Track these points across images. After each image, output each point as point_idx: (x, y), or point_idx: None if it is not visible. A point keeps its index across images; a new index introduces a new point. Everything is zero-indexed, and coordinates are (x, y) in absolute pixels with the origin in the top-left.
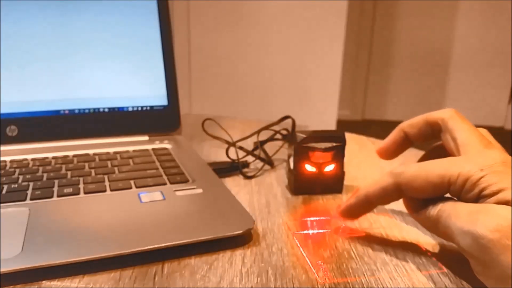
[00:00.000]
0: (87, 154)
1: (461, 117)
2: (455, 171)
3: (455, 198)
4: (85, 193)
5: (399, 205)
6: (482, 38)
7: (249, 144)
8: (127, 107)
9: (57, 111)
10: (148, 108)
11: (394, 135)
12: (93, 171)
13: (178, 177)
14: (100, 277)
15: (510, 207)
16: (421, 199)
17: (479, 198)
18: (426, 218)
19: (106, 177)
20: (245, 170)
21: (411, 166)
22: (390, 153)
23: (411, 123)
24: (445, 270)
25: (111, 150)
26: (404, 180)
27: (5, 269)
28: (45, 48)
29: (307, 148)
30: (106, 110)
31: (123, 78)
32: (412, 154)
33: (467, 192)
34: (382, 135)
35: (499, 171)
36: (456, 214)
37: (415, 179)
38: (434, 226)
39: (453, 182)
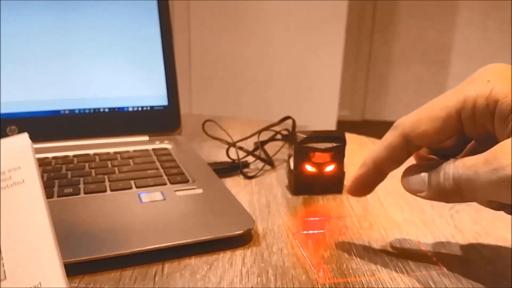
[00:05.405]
0: (87, 154)
1: None
2: (462, 95)
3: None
4: (85, 193)
5: (399, 205)
6: (482, 38)
7: (249, 144)
8: (127, 107)
9: (57, 111)
10: (148, 108)
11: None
12: (93, 171)
13: (178, 177)
14: (100, 277)
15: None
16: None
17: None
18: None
19: (106, 177)
20: (246, 170)
21: (412, 112)
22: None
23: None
24: (445, 270)
25: (111, 150)
26: (408, 127)
27: None
28: (45, 48)
29: (307, 149)
30: (106, 110)
31: (123, 78)
32: None
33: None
34: (382, 135)
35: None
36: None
37: (419, 121)
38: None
39: (466, 107)
